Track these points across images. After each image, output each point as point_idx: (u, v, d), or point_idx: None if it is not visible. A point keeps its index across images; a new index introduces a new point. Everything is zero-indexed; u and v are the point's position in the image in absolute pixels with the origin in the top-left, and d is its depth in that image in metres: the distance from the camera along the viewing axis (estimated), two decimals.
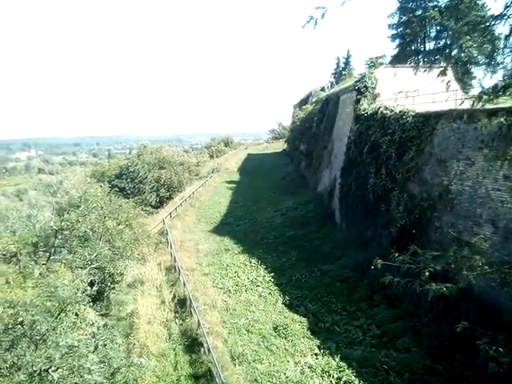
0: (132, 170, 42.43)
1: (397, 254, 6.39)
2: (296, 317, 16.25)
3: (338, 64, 67.72)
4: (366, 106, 24.16)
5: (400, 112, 19.68)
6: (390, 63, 42.28)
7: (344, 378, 12.26)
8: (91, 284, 14.35)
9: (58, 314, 9.43)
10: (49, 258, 14.66)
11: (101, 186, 21.31)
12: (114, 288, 18.11)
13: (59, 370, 8.37)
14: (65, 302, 9.44)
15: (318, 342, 14.41)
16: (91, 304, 12.86)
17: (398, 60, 43.15)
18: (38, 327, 8.63)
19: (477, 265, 6.15)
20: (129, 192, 40.14)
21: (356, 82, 26.52)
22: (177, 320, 16.89)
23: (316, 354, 13.75)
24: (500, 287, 10.65)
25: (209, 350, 13.83)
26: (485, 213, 13.58)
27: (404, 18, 46.42)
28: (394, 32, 48.06)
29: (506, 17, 6.00)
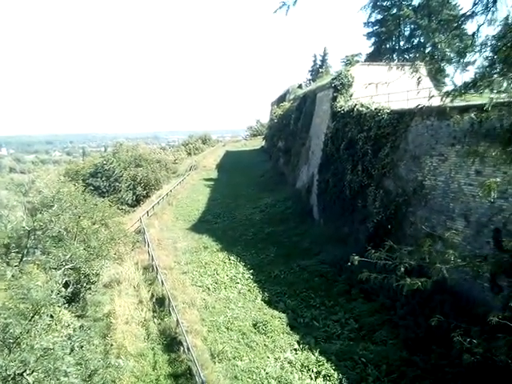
0: (107, 168, 41.56)
1: (373, 251, 6.49)
2: (275, 313, 16.33)
3: (314, 61, 68.13)
4: (342, 104, 24.42)
5: (375, 109, 19.98)
6: (365, 61, 42.83)
7: (323, 372, 12.41)
8: (66, 285, 14.06)
9: (32, 317, 9.21)
10: (21, 260, 14.28)
11: (74, 185, 20.84)
12: (89, 289, 17.77)
13: (34, 374, 8.18)
14: (39, 304, 9.23)
15: (297, 337, 14.52)
16: (66, 305, 12.60)
17: (373, 58, 43.73)
18: (11, 330, 8.41)
19: (450, 258, 6.32)
20: (104, 191, 39.32)
21: (332, 79, 26.76)
22: (155, 319, 16.72)
23: (295, 350, 13.86)
24: (473, 279, 11.00)
25: (188, 348, 13.74)
26: (457, 207, 13.96)
27: (378, 15, 47.12)
28: (370, 30, 48.72)
29: (474, 14, 6.16)
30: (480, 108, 12.04)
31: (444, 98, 6.67)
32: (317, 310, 16.24)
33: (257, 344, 14.40)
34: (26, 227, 14.54)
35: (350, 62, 40.29)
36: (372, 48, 48.98)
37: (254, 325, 15.57)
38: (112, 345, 14.64)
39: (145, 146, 61.61)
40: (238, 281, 19.94)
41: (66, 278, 14.48)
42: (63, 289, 10.52)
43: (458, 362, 10.14)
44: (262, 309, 16.90)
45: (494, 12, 6.04)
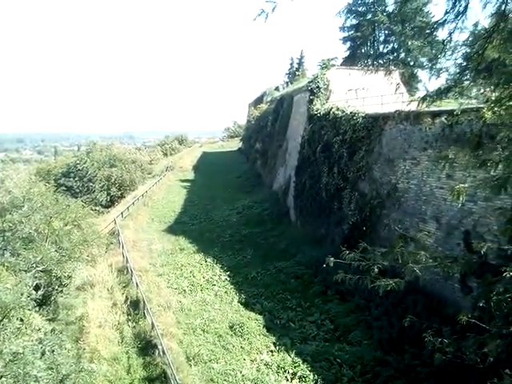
0: (80, 168, 40.62)
1: (347, 252, 6.58)
2: (252, 315, 16.33)
3: (291, 64, 68.69)
4: (318, 107, 24.73)
5: (351, 113, 20.32)
6: (341, 65, 43.48)
7: (299, 373, 12.49)
8: (36, 288, 13.69)
9: (1, 320, 8.97)
10: None
11: (46, 185, 20.29)
12: (61, 291, 17.32)
13: (3, 379, 7.99)
14: (7, 308, 8.98)
15: (273, 338, 14.56)
16: (37, 309, 12.28)
17: (349, 62, 44.40)
18: None
19: (421, 259, 6.47)
20: (77, 191, 38.45)
21: (309, 82, 27.08)
22: (129, 322, 16.44)
23: (272, 351, 13.90)
24: (444, 280, 11.30)
25: (163, 351, 13.57)
26: (429, 210, 14.34)
27: (354, 20, 47.90)
28: (345, 35, 49.46)
29: (446, 22, 6.35)
30: (451, 113, 12.47)
31: (420, 104, 6.84)
32: (293, 312, 16.34)
33: (233, 346, 14.36)
34: None
35: (326, 65, 40.79)
36: (348, 52, 49.76)
37: (231, 327, 15.54)
38: (85, 349, 14.34)
39: (119, 145, 60.63)
40: (215, 283, 19.85)
41: (37, 281, 14.10)
42: (34, 291, 10.28)
43: (429, 362, 10.37)
44: (239, 311, 16.87)
45: (464, 20, 6.24)
